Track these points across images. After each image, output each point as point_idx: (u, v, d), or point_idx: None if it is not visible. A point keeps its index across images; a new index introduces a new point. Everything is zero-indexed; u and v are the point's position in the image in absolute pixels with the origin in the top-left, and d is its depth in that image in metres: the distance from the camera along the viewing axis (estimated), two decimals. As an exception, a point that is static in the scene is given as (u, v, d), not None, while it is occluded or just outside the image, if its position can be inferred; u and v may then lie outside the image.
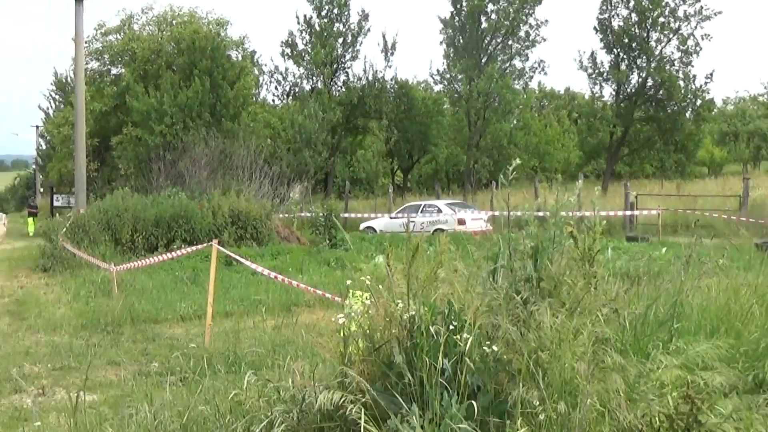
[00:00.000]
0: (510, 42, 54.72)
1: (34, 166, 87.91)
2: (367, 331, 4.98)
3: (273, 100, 55.22)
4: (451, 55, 54.38)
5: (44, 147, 72.73)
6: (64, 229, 25.19)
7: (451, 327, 4.56)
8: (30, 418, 8.11)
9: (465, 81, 52.93)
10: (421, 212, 33.98)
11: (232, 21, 50.34)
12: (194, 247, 18.27)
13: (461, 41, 54.23)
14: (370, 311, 5.06)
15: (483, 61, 53.57)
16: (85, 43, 42.05)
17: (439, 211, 33.80)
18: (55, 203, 53.06)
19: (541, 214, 5.56)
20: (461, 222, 32.20)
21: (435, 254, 5.40)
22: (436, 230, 31.39)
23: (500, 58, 54.46)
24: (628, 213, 31.68)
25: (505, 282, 5.05)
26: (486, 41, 54.16)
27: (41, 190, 75.57)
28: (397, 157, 61.74)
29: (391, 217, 35.24)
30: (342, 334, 5.11)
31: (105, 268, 18.87)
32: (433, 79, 58.52)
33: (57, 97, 67.20)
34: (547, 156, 66.30)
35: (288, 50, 53.48)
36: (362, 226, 35.35)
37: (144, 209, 26.09)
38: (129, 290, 17.76)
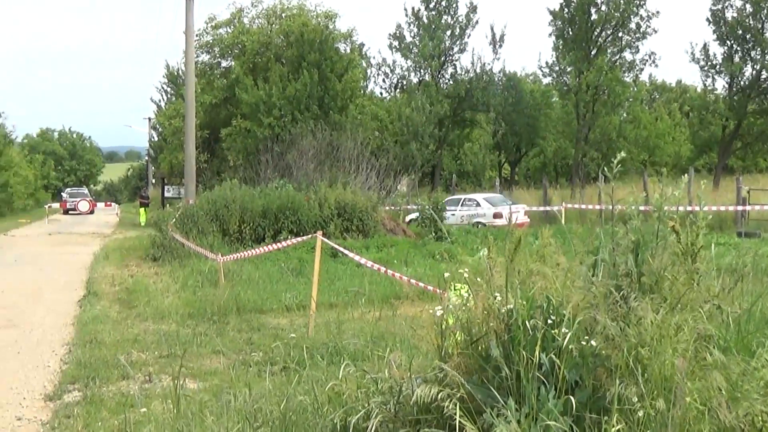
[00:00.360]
0: (620, 34, 53.78)
1: (146, 158, 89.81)
2: (465, 324, 4.97)
3: (380, 93, 55.46)
4: (560, 47, 53.77)
5: (156, 138, 74.20)
6: (174, 220, 25.65)
7: (550, 321, 4.53)
8: (135, 404, 8.31)
9: (574, 73, 52.36)
10: (461, 206, 34.57)
11: (340, 13, 50.79)
12: (300, 238, 18.41)
13: (570, 33, 53.56)
14: (468, 304, 5.05)
15: (592, 53, 52.85)
16: (196, 36, 42.82)
17: (478, 204, 34.47)
18: (166, 194, 54.08)
19: (645, 208, 5.47)
20: (497, 215, 32.71)
21: (538, 248, 5.37)
22: (475, 223, 31.64)
23: (610, 50, 53.60)
24: (740, 208, 30.94)
25: (606, 277, 4.98)
26: (595, 33, 53.37)
27: (153, 181, 77.21)
28: (504, 150, 61.35)
29: None
30: (440, 327, 5.11)
31: (212, 259, 19.14)
32: (542, 71, 57.95)
33: (168, 89, 68.42)
34: (658, 150, 64.94)
35: (396, 43, 53.60)
36: (408, 218, 35.42)
37: (251, 200, 26.38)
38: (235, 280, 17.99)
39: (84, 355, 11.56)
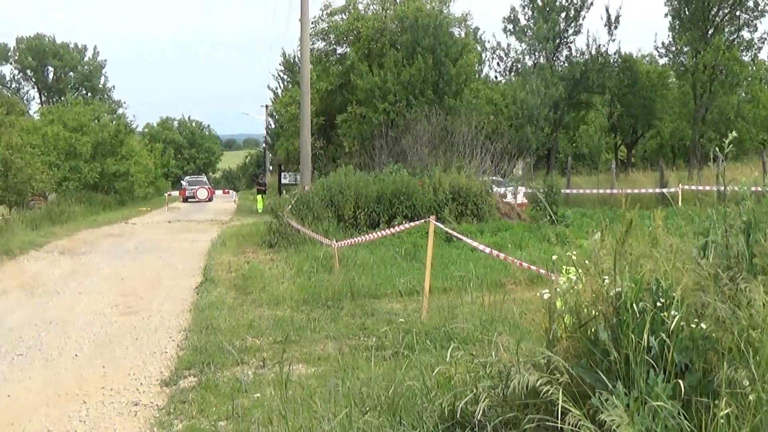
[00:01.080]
0: (737, 12, 52.14)
1: (263, 145, 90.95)
2: (573, 308, 4.93)
3: (495, 77, 55.07)
4: (677, 27, 52.46)
5: (273, 126, 75.07)
6: (290, 206, 25.93)
7: (659, 304, 4.46)
8: (249, 390, 8.45)
9: (690, 53, 51.07)
10: None
11: (455, -3, 50.54)
12: (414, 223, 18.42)
13: (687, 13, 52.21)
14: (576, 287, 5.00)
15: (709, 32, 51.45)
16: (312, 23, 43.17)
17: None
18: (283, 180, 54.71)
19: (757, 188, 5.32)
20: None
21: (650, 230, 5.29)
22: None
23: (727, 30, 52.02)
24: None
25: (716, 258, 4.87)
26: (712, 12, 51.91)
27: (270, 167, 78.21)
28: (620, 132, 60.10)
29: None
30: (548, 310, 5.08)
31: (327, 244, 19.30)
32: (658, 52, 56.60)
33: (285, 77, 69.05)
34: (777, 129, 62.92)
35: (510, 26, 53.13)
36: None
37: (366, 186, 26.50)
38: (350, 266, 18.09)
39: (200, 340, 11.81)
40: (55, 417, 8.96)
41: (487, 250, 13.74)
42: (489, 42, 55.09)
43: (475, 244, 14.26)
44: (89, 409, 9.17)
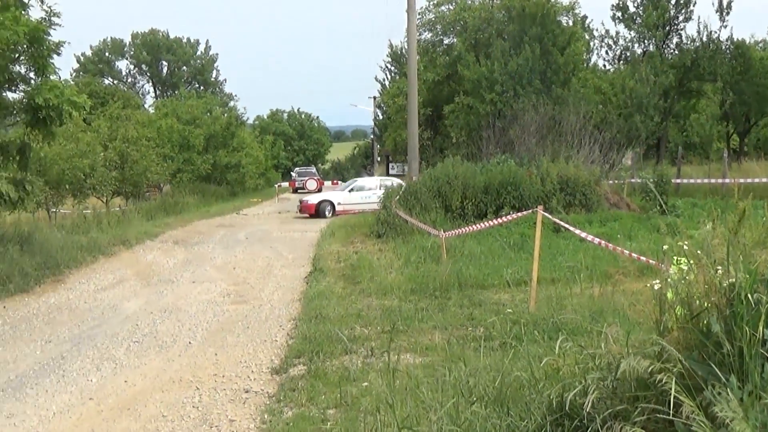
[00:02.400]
0: None
1: (371, 136, 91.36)
2: (685, 299, 4.82)
3: (603, 65, 54.05)
4: (793, 11, 51.09)
5: (380, 117, 75.31)
6: (398, 197, 25.99)
7: (775, 295, 4.33)
8: (357, 378, 8.49)
9: (807, 38, 49.53)
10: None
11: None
12: (521, 213, 18.29)
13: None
14: (688, 278, 4.89)
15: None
16: (418, 14, 43.29)
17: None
18: (390, 171, 54.95)
19: None
20: None
21: (764, 220, 5.15)
22: None
23: None
24: None
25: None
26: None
27: (378, 158, 78.53)
28: (732, 120, 58.43)
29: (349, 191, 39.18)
30: (659, 301, 4.98)
31: (435, 235, 19.29)
32: (773, 38, 55.00)
33: (392, 68, 69.31)
34: None
35: (619, 14, 52.11)
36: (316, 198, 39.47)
37: (473, 176, 26.39)
38: (457, 256, 18.06)
39: (309, 329, 11.93)
40: (169, 402, 9.16)
41: (596, 240, 13.53)
42: (597, 30, 54.55)
43: (583, 234, 14.05)
44: (202, 396, 9.35)
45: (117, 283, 18.86)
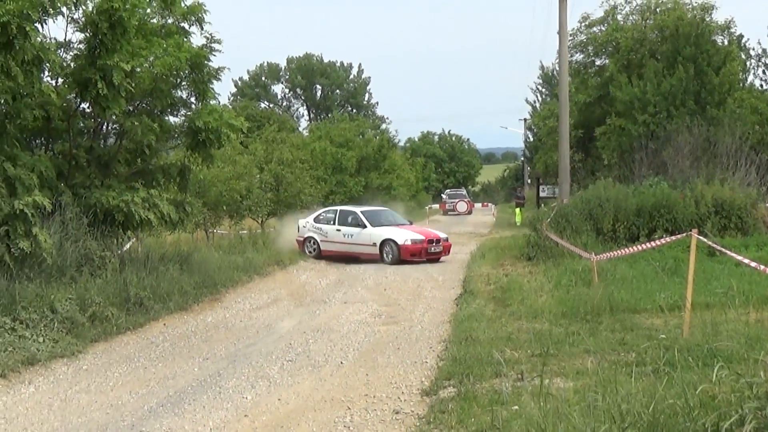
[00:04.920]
0: None
1: (521, 158, 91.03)
2: None
3: (761, 85, 52.42)
4: None
5: (531, 139, 74.98)
6: (549, 219, 25.83)
7: None
8: (506, 401, 8.46)
9: None
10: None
11: (717, 4, 48.56)
12: (675, 237, 17.89)
13: None
14: None
15: None
16: (570, 35, 42.99)
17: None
18: (541, 194, 54.54)
19: None
20: None
21: None
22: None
23: None
24: None
25: None
26: None
27: (528, 180, 78.13)
28: None
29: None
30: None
31: (586, 257, 19.03)
32: None
33: (543, 90, 69.14)
34: None
35: (778, 32, 50.64)
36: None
37: (626, 199, 25.99)
38: (608, 279, 17.78)
39: (459, 352, 11.93)
40: (321, 422, 9.31)
41: (753, 264, 13.13)
42: (754, 49, 52.48)
43: (739, 258, 13.64)
44: (353, 416, 9.47)
45: (271, 303, 19.28)
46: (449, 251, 28.11)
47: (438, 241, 27.96)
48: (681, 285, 14.95)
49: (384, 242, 27.45)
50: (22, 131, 17.69)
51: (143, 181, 19.99)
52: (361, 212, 29.57)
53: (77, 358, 13.06)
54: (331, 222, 29.34)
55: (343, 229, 28.81)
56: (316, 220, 29.87)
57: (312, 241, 29.43)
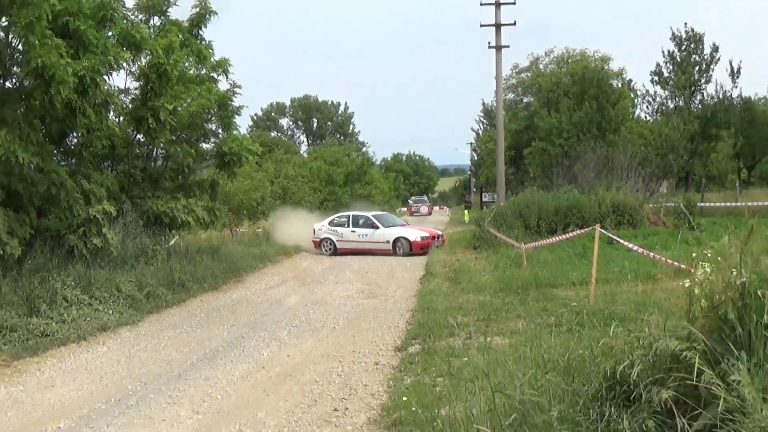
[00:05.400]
0: None
1: (469, 172, 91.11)
2: (708, 294, 4.79)
3: (645, 117, 52.80)
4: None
5: (476, 158, 75.01)
6: (489, 218, 25.94)
7: (776, 291, 4.30)
8: (460, 354, 8.55)
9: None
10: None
11: (612, 57, 49.15)
12: (583, 230, 18.07)
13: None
14: (710, 278, 4.86)
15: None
16: (504, 79, 43.27)
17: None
18: (483, 199, 54.76)
19: None
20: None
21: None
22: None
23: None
24: None
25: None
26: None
27: (474, 189, 78.17)
28: (742, 157, 56.22)
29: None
30: (688, 296, 4.96)
31: (517, 246, 19.17)
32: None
33: (484, 121, 69.19)
34: None
35: (656, 78, 50.80)
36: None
37: (546, 202, 26.20)
38: (534, 263, 17.90)
39: (423, 318, 12.02)
40: (320, 371, 9.37)
41: (640, 250, 13.32)
42: (640, 90, 52.58)
43: (630, 245, 13.84)
44: (344, 367, 9.53)
45: (281, 283, 19.29)
46: (445, 244, 27.74)
47: (439, 237, 27.69)
48: (588, 266, 15.08)
49: (397, 239, 26.68)
50: (94, 156, 17.73)
51: (183, 193, 19.94)
52: (373, 216, 28.48)
53: (137, 326, 13.07)
54: (345, 225, 28.05)
55: (358, 230, 27.63)
56: (331, 223, 28.46)
57: (328, 242, 27.96)
